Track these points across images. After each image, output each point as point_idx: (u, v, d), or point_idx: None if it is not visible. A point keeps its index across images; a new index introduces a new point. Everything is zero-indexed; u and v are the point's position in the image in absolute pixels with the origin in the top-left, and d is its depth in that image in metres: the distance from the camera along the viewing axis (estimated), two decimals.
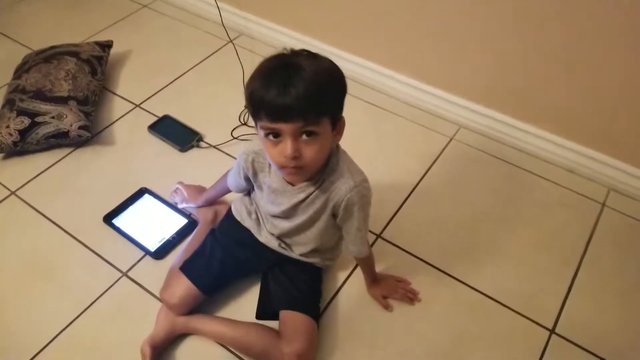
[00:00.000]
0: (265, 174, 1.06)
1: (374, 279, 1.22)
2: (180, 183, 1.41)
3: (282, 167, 0.92)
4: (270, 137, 0.88)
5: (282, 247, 1.15)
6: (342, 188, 0.99)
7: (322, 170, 0.99)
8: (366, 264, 1.19)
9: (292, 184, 1.02)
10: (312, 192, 1.01)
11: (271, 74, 0.86)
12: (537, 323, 1.20)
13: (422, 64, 1.63)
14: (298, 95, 0.82)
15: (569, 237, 1.37)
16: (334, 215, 1.04)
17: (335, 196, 1.00)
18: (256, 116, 0.89)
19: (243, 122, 1.61)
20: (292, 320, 1.10)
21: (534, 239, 1.36)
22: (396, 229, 1.37)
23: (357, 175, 1.00)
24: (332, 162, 0.99)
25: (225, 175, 1.24)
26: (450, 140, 1.61)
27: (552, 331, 1.19)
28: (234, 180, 1.16)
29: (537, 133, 1.52)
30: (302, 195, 1.02)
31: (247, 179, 1.12)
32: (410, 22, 1.55)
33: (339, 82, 0.91)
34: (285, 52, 0.89)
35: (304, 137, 0.87)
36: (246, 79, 0.92)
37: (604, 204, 1.45)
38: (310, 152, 0.89)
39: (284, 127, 0.85)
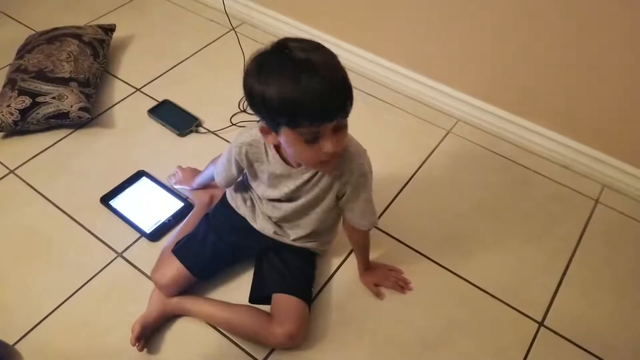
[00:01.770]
0: (261, 163, 1.04)
1: (366, 267, 1.23)
2: (179, 167, 1.43)
3: (322, 163, 0.90)
4: (309, 139, 0.85)
5: (277, 234, 1.16)
6: (352, 163, 0.99)
7: None
8: (361, 245, 1.20)
9: (294, 167, 1.01)
10: (317, 172, 1.00)
11: (296, 75, 0.80)
12: (526, 315, 1.21)
13: (421, 57, 1.64)
14: (335, 89, 0.81)
15: (562, 232, 1.38)
16: (337, 196, 1.05)
17: (344, 173, 1.00)
18: (291, 123, 0.84)
19: (242, 109, 1.62)
20: (284, 302, 1.11)
21: (526, 233, 1.37)
22: (391, 219, 1.38)
23: (360, 149, 1.01)
24: None
25: (212, 162, 1.23)
26: (448, 133, 1.62)
27: (541, 324, 1.20)
28: (224, 177, 1.13)
29: (533, 128, 1.53)
30: (307, 175, 1.01)
31: (240, 170, 1.10)
32: (411, 15, 1.55)
33: (339, 61, 0.87)
34: (276, 45, 0.85)
35: (341, 128, 0.86)
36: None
37: (597, 200, 1.45)
38: (344, 140, 0.89)
39: (327, 126, 0.83)
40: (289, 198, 1.07)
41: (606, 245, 1.35)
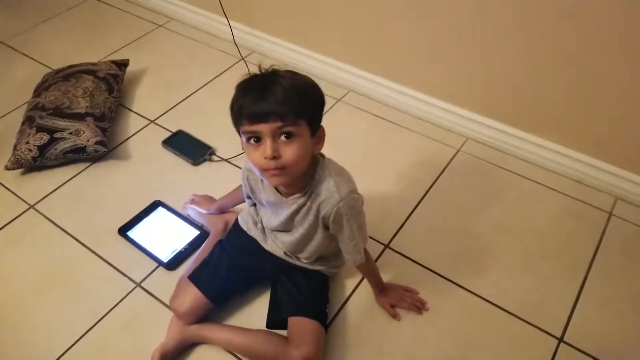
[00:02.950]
0: (260, 189, 1.09)
1: (381, 288, 1.24)
2: (195, 194, 1.46)
3: (264, 170, 0.93)
4: (252, 140, 0.91)
5: (288, 255, 1.18)
6: (328, 202, 1.00)
7: (310, 182, 1.01)
8: (366, 272, 1.21)
9: (285, 196, 1.04)
10: (304, 204, 1.03)
11: (250, 85, 0.91)
12: (545, 331, 1.20)
13: (429, 78, 1.66)
14: (275, 98, 0.87)
15: (577, 246, 1.37)
16: (326, 227, 1.06)
17: (323, 209, 1.01)
18: (238, 123, 0.92)
19: None
20: (300, 325, 1.12)
21: (541, 248, 1.37)
22: (404, 239, 1.39)
23: (343, 187, 1.00)
24: (317, 174, 1.01)
25: (239, 188, 1.27)
26: (457, 151, 1.63)
27: (560, 340, 1.19)
28: (245, 196, 1.20)
29: (543, 144, 1.54)
30: (294, 207, 1.04)
31: (248, 196, 1.16)
32: (417, 37, 1.58)
33: (316, 92, 0.95)
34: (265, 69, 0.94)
35: (283, 137, 0.90)
36: None
37: (611, 213, 1.45)
38: (290, 152, 0.91)
39: (263, 127, 0.88)
40: (286, 228, 1.10)
41: (622, 257, 1.34)
